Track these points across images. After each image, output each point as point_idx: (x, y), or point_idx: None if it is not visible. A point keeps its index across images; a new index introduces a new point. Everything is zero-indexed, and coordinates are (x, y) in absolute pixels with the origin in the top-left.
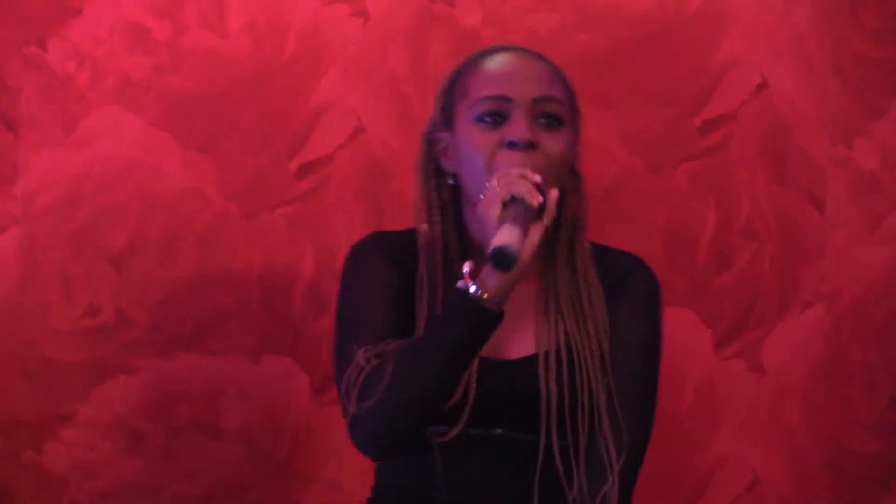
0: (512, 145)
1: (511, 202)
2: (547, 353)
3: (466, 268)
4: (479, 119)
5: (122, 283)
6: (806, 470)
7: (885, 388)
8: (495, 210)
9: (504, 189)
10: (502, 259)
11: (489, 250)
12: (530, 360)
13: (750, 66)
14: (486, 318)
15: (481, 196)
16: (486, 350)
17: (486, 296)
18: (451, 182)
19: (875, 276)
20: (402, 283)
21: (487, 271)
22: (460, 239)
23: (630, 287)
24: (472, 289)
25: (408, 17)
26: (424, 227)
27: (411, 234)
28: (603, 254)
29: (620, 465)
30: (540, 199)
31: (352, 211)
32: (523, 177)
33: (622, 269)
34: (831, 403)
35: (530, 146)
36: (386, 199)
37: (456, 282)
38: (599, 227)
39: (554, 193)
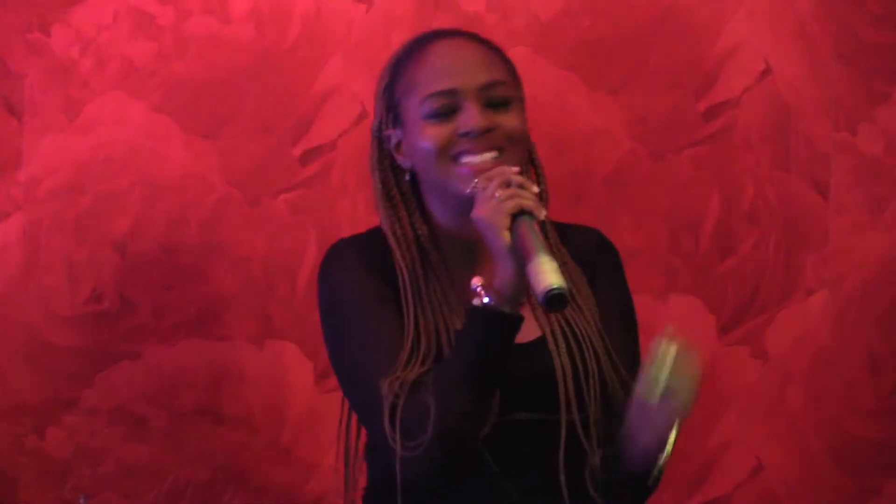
0: (467, 135)
1: (521, 216)
2: (554, 333)
3: (477, 283)
4: (430, 116)
5: (125, 268)
6: (809, 456)
7: (889, 375)
8: (504, 222)
9: (511, 202)
10: (561, 302)
11: (542, 294)
12: (541, 342)
13: (753, 51)
14: (510, 326)
15: (468, 190)
16: None
17: (506, 308)
18: (407, 178)
19: (879, 262)
20: (388, 287)
21: (498, 281)
22: (430, 229)
23: (600, 266)
24: (486, 300)
25: (411, 2)
26: (392, 223)
27: (378, 232)
28: (564, 232)
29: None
30: (545, 211)
31: (355, 197)
32: (523, 186)
33: (588, 247)
34: (834, 390)
35: (486, 132)
36: None
37: (435, 272)
38: (603, 212)
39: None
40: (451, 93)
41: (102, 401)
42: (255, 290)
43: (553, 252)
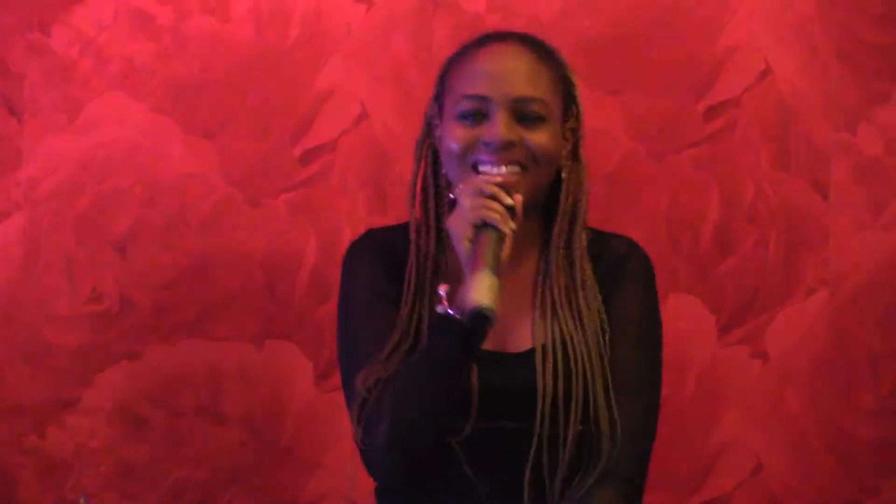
0: (488, 145)
1: (483, 228)
2: (544, 347)
3: (443, 291)
4: (461, 117)
5: (125, 268)
6: (809, 456)
7: (889, 374)
8: (466, 232)
9: (475, 213)
10: (480, 321)
11: (466, 308)
12: (530, 354)
13: (754, 51)
14: (471, 337)
15: (451, 196)
16: (489, 343)
17: (465, 319)
18: (444, 171)
19: (879, 261)
20: (397, 285)
21: (461, 290)
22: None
23: (627, 271)
24: (450, 312)
25: (411, 2)
26: (419, 212)
27: (407, 228)
28: (600, 240)
29: (622, 451)
30: (512, 226)
31: (355, 196)
32: (494, 197)
33: (619, 254)
34: (835, 389)
35: (508, 145)
36: (389, 185)
37: (446, 269)
38: (604, 212)
39: (518, 199)
40: (484, 99)
41: (102, 401)
42: (255, 290)
43: (498, 271)
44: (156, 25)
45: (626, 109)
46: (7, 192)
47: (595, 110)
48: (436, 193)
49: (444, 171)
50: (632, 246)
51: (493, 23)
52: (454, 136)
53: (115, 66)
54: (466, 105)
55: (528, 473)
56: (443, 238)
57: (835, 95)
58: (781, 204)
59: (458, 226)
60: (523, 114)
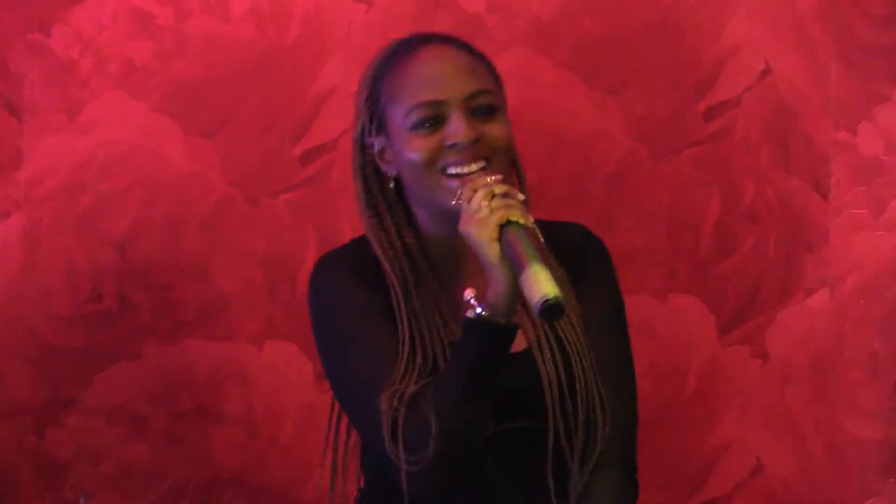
0: (454, 147)
1: (508, 226)
2: (539, 342)
3: (469, 295)
4: (417, 126)
5: (125, 268)
6: (809, 456)
7: (889, 374)
8: (492, 233)
9: (498, 213)
10: (556, 311)
11: (538, 304)
12: (528, 352)
13: (754, 51)
14: (505, 337)
15: (453, 203)
16: None
17: (500, 319)
18: (391, 185)
19: (879, 261)
20: (379, 298)
21: (491, 292)
22: (417, 238)
23: (588, 262)
24: (479, 311)
25: (411, 2)
26: (377, 233)
27: (362, 244)
28: (549, 229)
29: (615, 433)
30: (532, 219)
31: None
32: (507, 195)
33: (574, 243)
34: (835, 389)
35: (473, 142)
36: None
37: (425, 282)
38: (603, 212)
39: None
40: (438, 104)
41: (102, 401)
42: (255, 291)
43: (545, 259)
44: (156, 25)
45: (626, 109)
46: (7, 192)
47: (595, 110)
48: (389, 210)
49: (391, 185)
50: (586, 232)
51: (493, 23)
52: (415, 147)
53: (115, 66)
54: (421, 113)
55: (550, 469)
56: (409, 247)
57: (835, 95)
58: (781, 204)
59: (481, 230)
60: (478, 108)
